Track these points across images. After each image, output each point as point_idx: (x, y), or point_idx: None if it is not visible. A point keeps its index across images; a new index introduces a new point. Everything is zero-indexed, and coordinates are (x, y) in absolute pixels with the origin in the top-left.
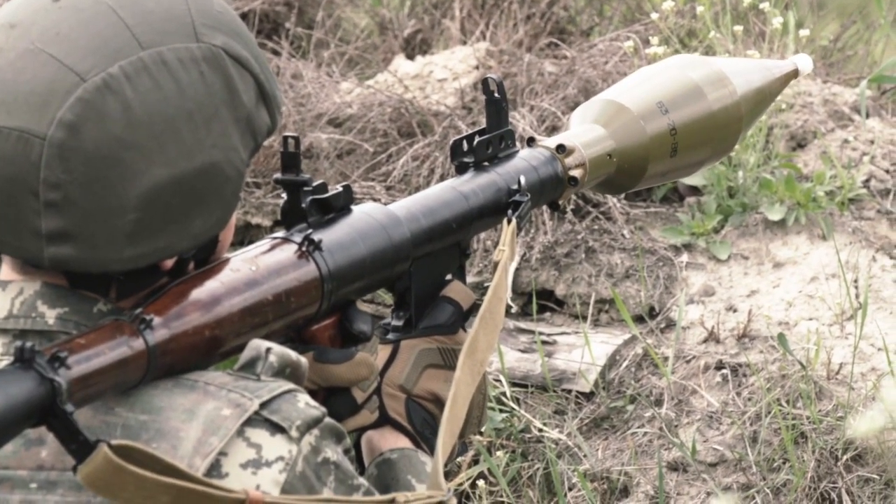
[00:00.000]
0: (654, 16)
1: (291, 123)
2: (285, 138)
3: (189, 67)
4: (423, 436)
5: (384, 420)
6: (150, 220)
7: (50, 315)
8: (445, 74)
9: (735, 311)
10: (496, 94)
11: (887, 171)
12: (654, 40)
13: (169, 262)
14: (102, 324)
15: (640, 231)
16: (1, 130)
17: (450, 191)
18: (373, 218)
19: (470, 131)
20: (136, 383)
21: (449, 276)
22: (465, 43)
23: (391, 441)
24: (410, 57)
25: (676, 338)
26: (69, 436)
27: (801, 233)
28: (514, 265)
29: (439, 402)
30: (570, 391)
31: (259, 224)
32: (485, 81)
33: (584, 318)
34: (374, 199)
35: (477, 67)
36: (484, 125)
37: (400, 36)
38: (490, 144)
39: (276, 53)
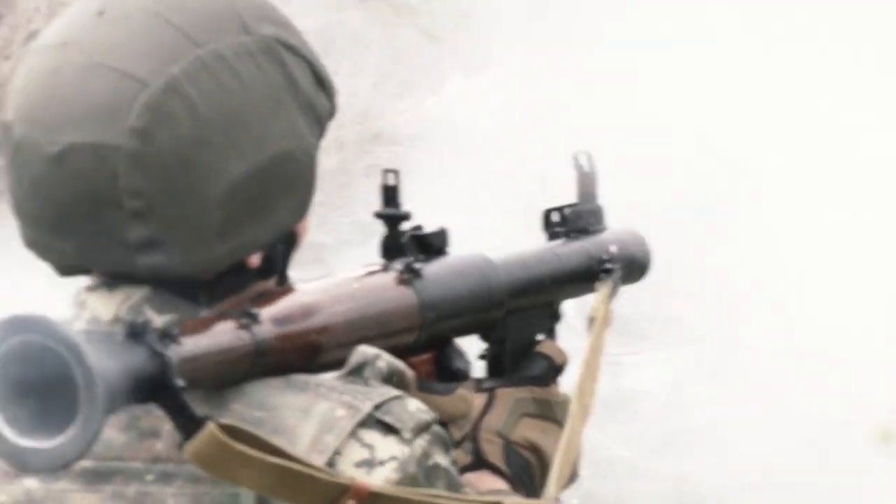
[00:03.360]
0: None
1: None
2: (385, 171)
3: (246, 60)
4: (521, 481)
5: (481, 464)
6: (235, 214)
7: (157, 321)
8: None
9: None
10: (586, 169)
11: None
12: None
13: (255, 260)
14: (210, 315)
15: None
16: (73, 147)
17: (544, 250)
18: (470, 261)
19: (563, 204)
20: (239, 378)
21: (541, 337)
22: None
23: (489, 483)
24: None
25: None
26: (178, 411)
27: None
28: (608, 331)
29: (536, 452)
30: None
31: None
32: (575, 155)
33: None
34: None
35: None
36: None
37: None
38: (581, 217)
39: None
